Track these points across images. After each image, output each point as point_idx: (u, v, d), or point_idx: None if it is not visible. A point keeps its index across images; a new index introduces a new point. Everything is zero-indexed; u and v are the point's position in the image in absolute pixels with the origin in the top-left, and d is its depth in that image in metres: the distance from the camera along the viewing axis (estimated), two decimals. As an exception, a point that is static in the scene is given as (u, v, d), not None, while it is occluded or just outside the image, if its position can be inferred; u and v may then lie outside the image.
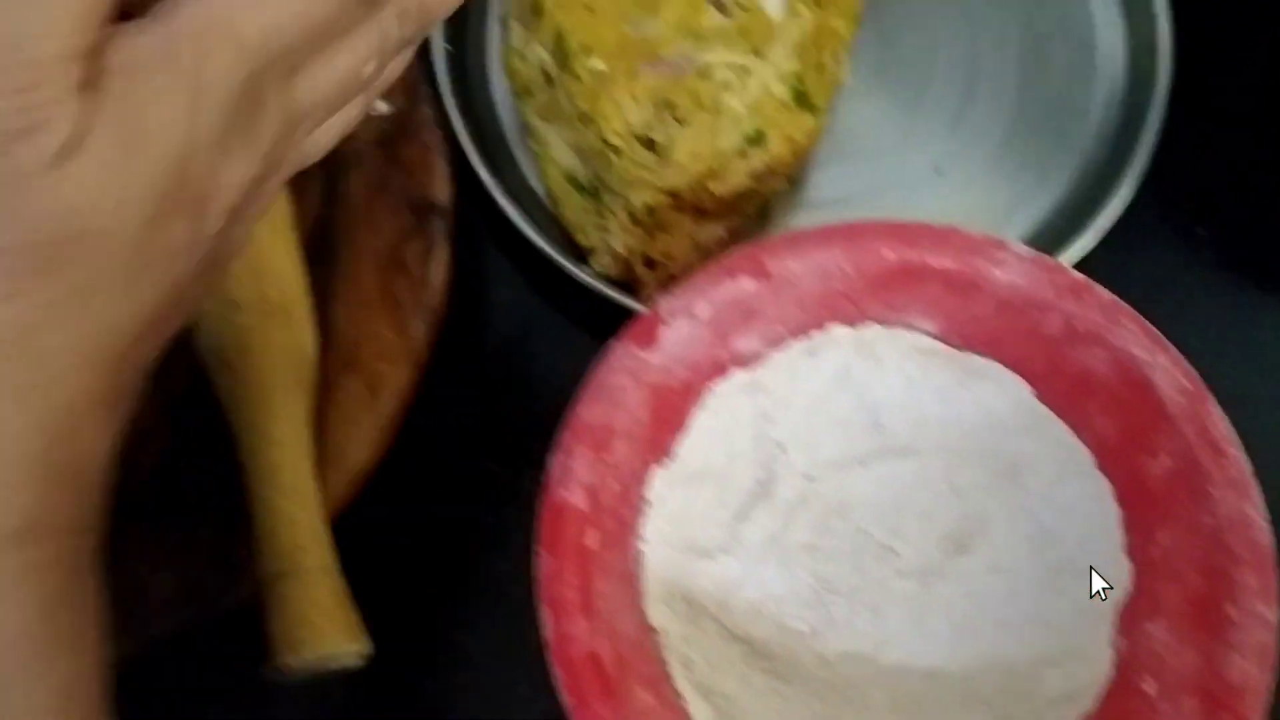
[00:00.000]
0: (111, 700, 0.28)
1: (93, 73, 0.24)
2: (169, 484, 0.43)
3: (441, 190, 0.46)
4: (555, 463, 0.38)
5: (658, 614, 0.40)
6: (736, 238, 0.49)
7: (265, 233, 0.41)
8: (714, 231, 0.48)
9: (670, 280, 0.49)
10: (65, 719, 0.26)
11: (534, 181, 0.51)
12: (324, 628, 0.37)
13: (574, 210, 0.49)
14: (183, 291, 0.27)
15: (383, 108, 0.47)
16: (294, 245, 0.43)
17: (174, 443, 0.43)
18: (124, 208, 0.24)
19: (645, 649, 0.39)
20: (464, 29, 0.52)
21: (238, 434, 0.39)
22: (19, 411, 0.24)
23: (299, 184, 0.45)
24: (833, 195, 0.51)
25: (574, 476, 0.38)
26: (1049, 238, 0.49)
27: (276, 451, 0.39)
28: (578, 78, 0.45)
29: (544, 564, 0.37)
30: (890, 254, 0.40)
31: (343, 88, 0.29)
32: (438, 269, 0.45)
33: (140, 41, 0.25)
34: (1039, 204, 0.51)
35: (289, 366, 0.40)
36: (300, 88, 0.28)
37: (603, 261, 0.48)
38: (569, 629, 0.37)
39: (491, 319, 0.51)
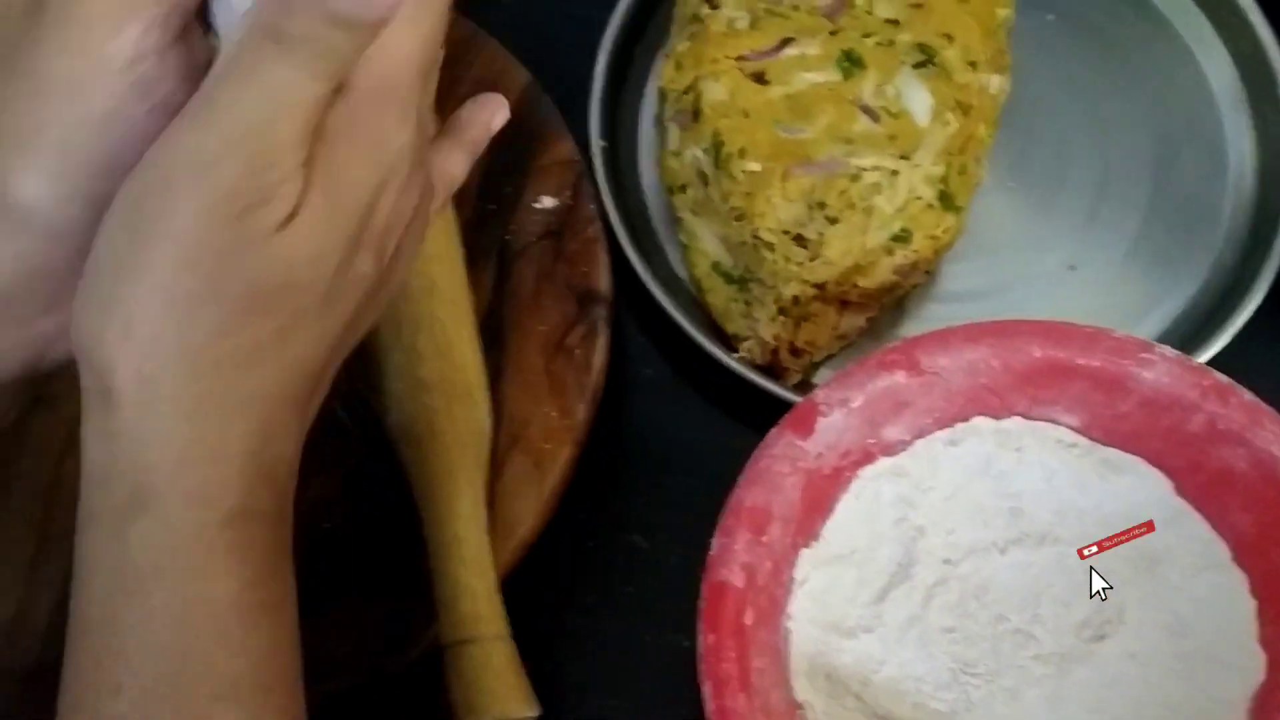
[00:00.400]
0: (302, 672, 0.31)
1: (309, 149, 0.29)
2: (347, 550, 0.46)
3: (603, 281, 0.49)
4: (717, 544, 0.40)
5: (803, 689, 0.41)
6: (874, 327, 0.52)
7: (450, 320, 0.45)
8: (855, 321, 0.50)
9: (812, 367, 0.51)
10: (264, 676, 0.29)
11: (679, 269, 0.54)
12: (502, 694, 0.39)
13: (720, 299, 0.51)
14: (363, 315, 0.32)
15: (549, 202, 0.50)
16: (475, 332, 0.46)
17: (352, 512, 0.46)
18: (323, 258, 0.29)
19: (793, 724, 0.41)
20: (617, 127, 0.55)
21: (422, 506, 0.42)
22: (242, 420, 0.29)
23: (474, 275, 0.48)
24: (967, 288, 0.53)
25: (734, 557, 0.40)
26: (1181, 336, 0.51)
27: (459, 525, 0.41)
28: (733, 177, 0.47)
29: (706, 640, 0.39)
30: (1038, 352, 0.42)
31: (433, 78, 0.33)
32: (599, 354, 0.48)
33: (333, 113, 0.29)
34: (1171, 302, 0.53)
35: (471, 445, 0.43)
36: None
37: (749, 348, 0.50)
38: (730, 703, 0.39)
39: (634, 398, 0.53)
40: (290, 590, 0.31)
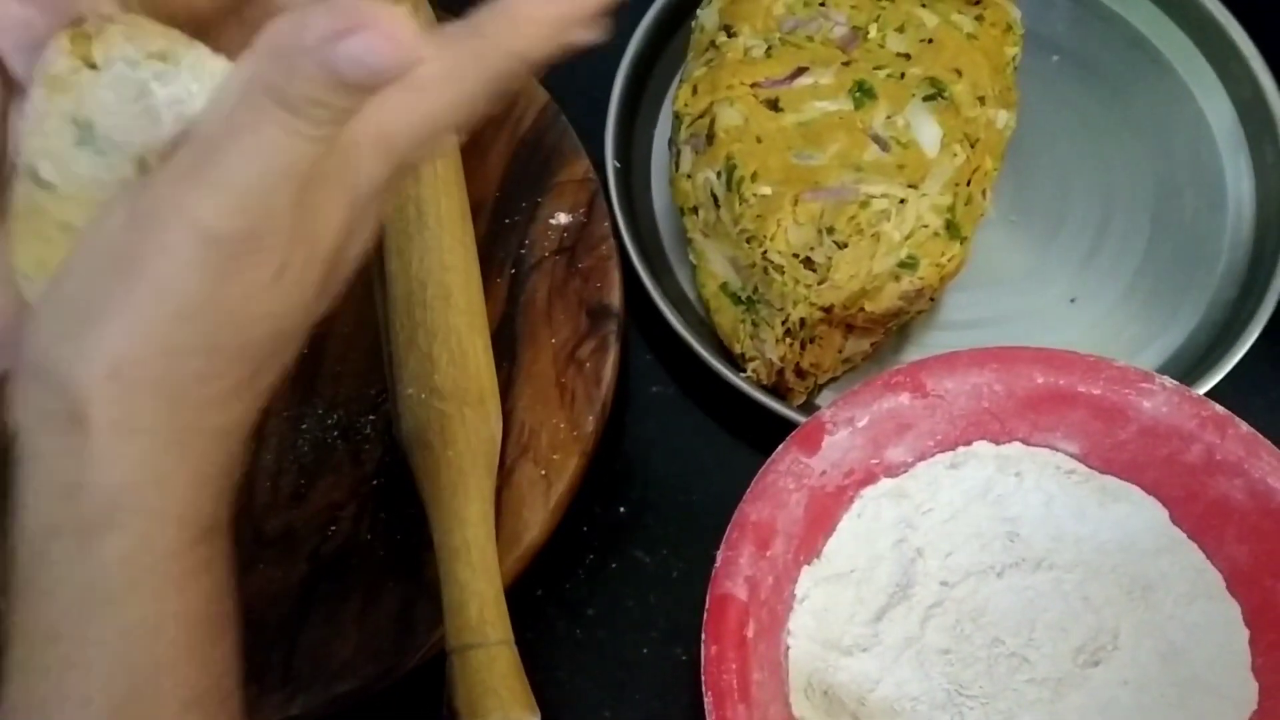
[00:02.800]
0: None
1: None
2: (357, 553, 0.46)
3: (615, 296, 0.50)
4: (722, 556, 0.41)
5: (800, 705, 0.42)
6: (877, 351, 0.53)
7: (466, 329, 0.45)
8: (860, 345, 0.51)
9: (816, 389, 0.52)
10: (225, 684, 0.30)
11: (688, 289, 0.55)
12: (505, 698, 0.39)
13: (728, 319, 0.52)
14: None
15: (564, 218, 0.51)
16: (488, 342, 0.47)
17: (361, 515, 0.47)
18: (304, 304, 0.30)
19: (790, 738, 0.42)
20: (630, 148, 0.57)
21: (432, 511, 0.43)
22: (217, 451, 0.30)
23: (489, 287, 0.49)
24: (969, 318, 0.54)
25: (739, 570, 0.41)
26: (1178, 370, 0.52)
27: (469, 530, 0.42)
28: (745, 200, 0.48)
29: (709, 651, 0.39)
30: (1040, 378, 0.43)
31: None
32: (609, 368, 0.49)
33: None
34: (1169, 337, 0.54)
35: (481, 451, 0.44)
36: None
37: (755, 368, 0.51)
38: (730, 714, 0.39)
39: (641, 414, 0.54)
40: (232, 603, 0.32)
